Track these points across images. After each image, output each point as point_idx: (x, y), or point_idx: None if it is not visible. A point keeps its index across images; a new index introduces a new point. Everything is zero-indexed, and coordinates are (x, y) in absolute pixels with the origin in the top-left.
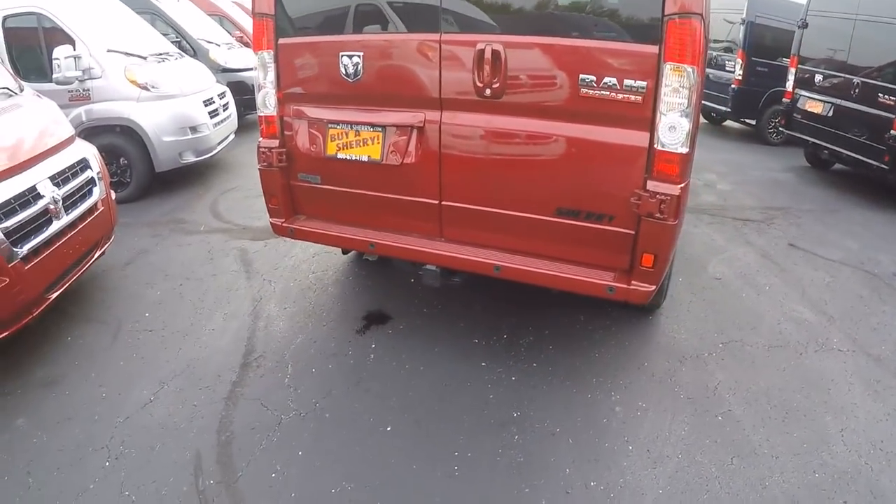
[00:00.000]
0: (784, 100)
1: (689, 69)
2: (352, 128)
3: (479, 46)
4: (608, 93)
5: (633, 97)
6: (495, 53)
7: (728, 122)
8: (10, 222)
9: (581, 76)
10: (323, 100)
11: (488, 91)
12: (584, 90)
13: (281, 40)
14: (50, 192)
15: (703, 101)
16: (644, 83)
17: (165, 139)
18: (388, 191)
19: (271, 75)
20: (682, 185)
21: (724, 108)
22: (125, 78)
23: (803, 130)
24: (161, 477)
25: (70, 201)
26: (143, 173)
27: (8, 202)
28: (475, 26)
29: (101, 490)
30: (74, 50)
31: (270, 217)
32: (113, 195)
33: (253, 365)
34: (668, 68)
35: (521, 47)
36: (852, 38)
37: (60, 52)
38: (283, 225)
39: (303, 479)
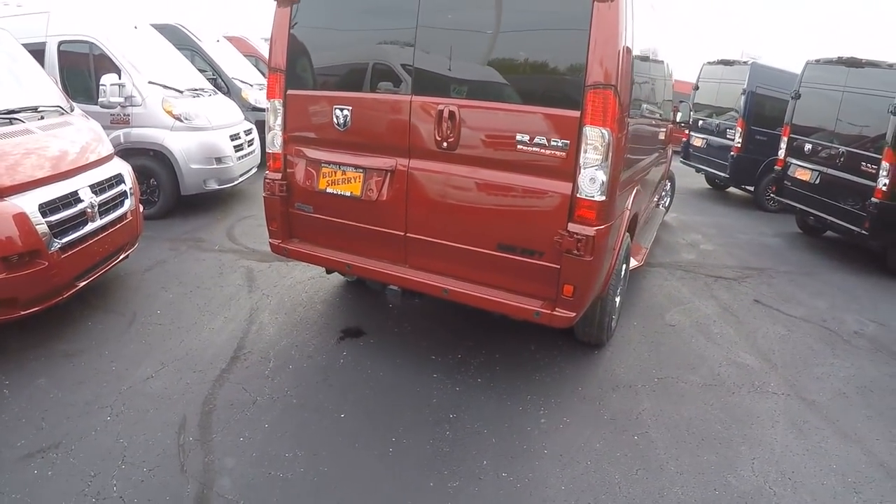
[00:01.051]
0: (776, 167)
1: (605, 131)
2: (339, 168)
3: (440, 107)
4: (539, 149)
5: (558, 153)
6: (451, 113)
7: (731, 189)
8: (54, 218)
9: (518, 135)
10: (319, 143)
11: (445, 144)
12: (519, 146)
13: (289, 91)
14: (89, 199)
15: (704, 167)
16: (567, 142)
17: (193, 166)
18: (364, 222)
19: (280, 120)
20: (600, 227)
21: (723, 175)
22: (162, 108)
23: (793, 197)
24: (151, 432)
25: (104, 208)
26: (169, 194)
27: (53, 201)
28: (438, 91)
29: (101, 436)
30: (119, 78)
31: (270, 238)
32: (141, 209)
33: (241, 358)
34: (587, 130)
35: (471, 109)
36: (840, 109)
37: (107, 80)
38: (280, 245)
39: (264, 444)
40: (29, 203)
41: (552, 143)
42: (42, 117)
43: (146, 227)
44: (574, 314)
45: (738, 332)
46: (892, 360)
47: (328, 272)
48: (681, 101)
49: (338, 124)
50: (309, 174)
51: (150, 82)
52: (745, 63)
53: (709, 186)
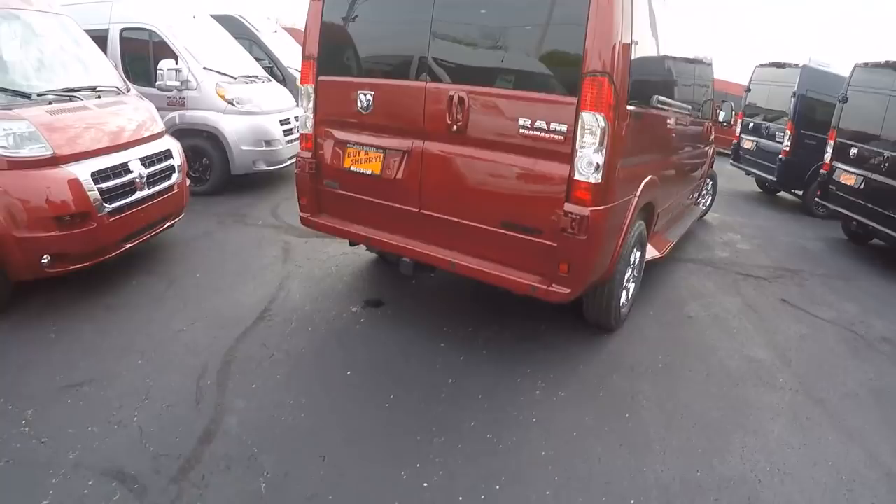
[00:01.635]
0: (822, 171)
1: (600, 116)
2: (362, 148)
3: (451, 93)
4: (540, 133)
5: (557, 137)
6: (461, 99)
7: (782, 194)
8: (105, 185)
9: (520, 119)
10: (344, 125)
11: (455, 127)
12: (522, 130)
13: (320, 77)
14: (138, 170)
15: (754, 170)
16: (565, 126)
17: (243, 147)
18: (383, 198)
19: (311, 103)
20: (596, 208)
21: (771, 178)
22: (216, 93)
23: (837, 202)
24: (174, 375)
25: (152, 179)
26: (220, 173)
27: (105, 170)
28: (450, 79)
29: (130, 376)
30: (176, 64)
31: (300, 212)
32: (188, 182)
33: (266, 319)
34: (584, 115)
35: (479, 95)
36: (887, 113)
37: (164, 65)
38: (308, 218)
39: (272, 392)
40: (82, 171)
41: (552, 128)
42: (99, 96)
43: (196, 202)
44: (569, 290)
45: (756, 328)
46: None
47: (351, 244)
48: (723, 101)
49: (361, 108)
50: (336, 153)
51: (205, 68)
52: (795, 66)
53: (759, 190)
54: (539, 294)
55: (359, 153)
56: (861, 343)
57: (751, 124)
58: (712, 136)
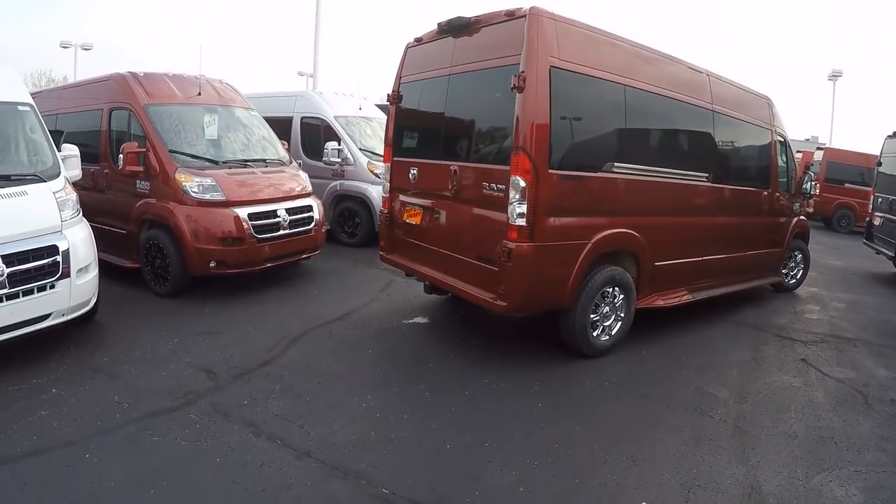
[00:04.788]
0: None
1: (520, 178)
2: (412, 206)
3: (452, 168)
4: (493, 191)
5: (500, 194)
6: (454, 171)
7: None
8: (257, 223)
9: (483, 182)
10: (403, 191)
11: (454, 190)
12: (484, 190)
13: (393, 158)
14: (282, 216)
15: (882, 249)
16: (504, 186)
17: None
18: (419, 241)
19: (388, 176)
20: (520, 244)
21: (889, 253)
22: (367, 168)
23: None
24: (267, 336)
25: (293, 223)
26: (367, 230)
27: (258, 213)
28: (451, 157)
29: (240, 333)
30: (339, 145)
31: (380, 251)
32: (324, 229)
33: (342, 319)
34: (511, 178)
35: (463, 169)
36: None
37: (330, 145)
38: (384, 256)
39: (317, 353)
40: (243, 212)
41: (498, 187)
42: (266, 165)
43: (345, 251)
44: (505, 304)
45: (740, 376)
46: None
47: (406, 275)
48: (806, 172)
49: (411, 178)
50: (399, 210)
51: (360, 149)
52: None
53: (889, 260)
54: (489, 307)
55: (410, 210)
56: (857, 399)
57: (879, 199)
58: (788, 207)
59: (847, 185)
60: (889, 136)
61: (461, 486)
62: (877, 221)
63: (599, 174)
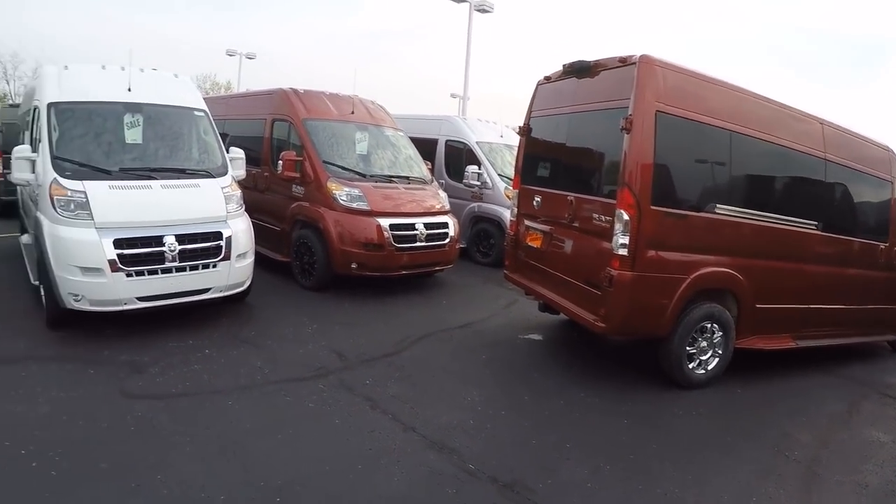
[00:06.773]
0: None
1: (623, 212)
2: (534, 231)
3: (569, 198)
4: (602, 222)
5: (607, 225)
6: (571, 201)
7: None
8: (396, 233)
9: (594, 213)
10: (528, 216)
11: (570, 218)
12: (595, 220)
13: (522, 185)
14: (420, 229)
15: None
16: (610, 218)
17: None
18: (540, 263)
19: (516, 201)
20: (622, 272)
21: None
22: (504, 194)
23: None
24: (394, 333)
25: (430, 237)
26: (500, 250)
27: (398, 224)
28: (567, 188)
29: (374, 327)
30: (479, 169)
31: (505, 269)
32: (459, 244)
33: (463, 328)
34: (616, 211)
35: (579, 200)
36: None
37: (470, 169)
38: (508, 274)
39: (435, 352)
40: (385, 221)
41: (605, 219)
42: (409, 182)
43: (479, 270)
44: (604, 325)
45: (829, 425)
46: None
47: (526, 294)
48: None
49: (535, 205)
50: (524, 233)
51: (498, 174)
52: None
53: None
54: (591, 326)
55: (532, 233)
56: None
57: None
58: None
59: None
60: None
61: (537, 473)
62: None
63: (702, 214)
